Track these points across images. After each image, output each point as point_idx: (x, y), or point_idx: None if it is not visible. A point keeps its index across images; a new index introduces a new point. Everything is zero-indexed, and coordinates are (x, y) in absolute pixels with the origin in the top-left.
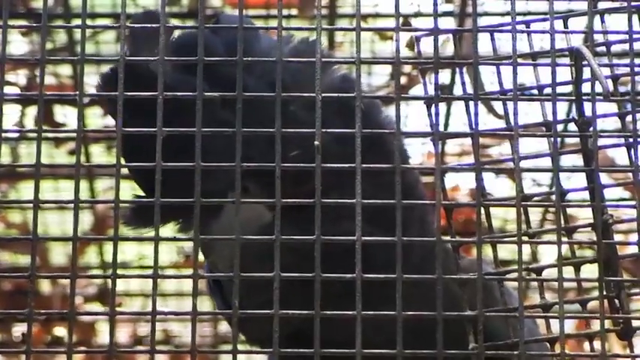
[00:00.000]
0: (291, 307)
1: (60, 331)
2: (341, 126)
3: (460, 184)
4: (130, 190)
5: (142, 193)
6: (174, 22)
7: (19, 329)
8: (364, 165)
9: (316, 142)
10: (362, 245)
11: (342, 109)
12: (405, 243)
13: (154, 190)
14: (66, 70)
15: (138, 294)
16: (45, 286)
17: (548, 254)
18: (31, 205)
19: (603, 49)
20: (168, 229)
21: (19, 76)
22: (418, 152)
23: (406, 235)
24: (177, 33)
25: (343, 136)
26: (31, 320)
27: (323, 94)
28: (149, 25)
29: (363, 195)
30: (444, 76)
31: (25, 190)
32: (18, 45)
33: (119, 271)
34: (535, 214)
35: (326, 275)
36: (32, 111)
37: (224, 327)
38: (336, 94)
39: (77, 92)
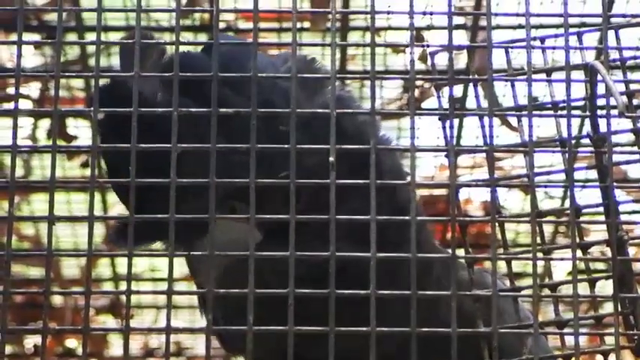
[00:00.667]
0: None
1: (71, 342)
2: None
3: (472, 197)
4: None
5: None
6: (187, 35)
7: (30, 341)
8: (379, 181)
9: (331, 159)
10: (349, 264)
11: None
12: (398, 260)
13: (138, 208)
14: (78, 82)
15: (150, 306)
16: (57, 297)
17: (561, 268)
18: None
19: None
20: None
21: (32, 89)
22: (430, 165)
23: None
24: (168, 54)
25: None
26: (45, 336)
27: (337, 110)
28: (163, 41)
29: (354, 214)
30: (457, 89)
31: (37, 202)
32: (30, 58)
33: (137, 289)
34: (547, 228)
35: (340, 292)
36: (44, 123)
37: None
38: (350, 110)
39: (92, 108)
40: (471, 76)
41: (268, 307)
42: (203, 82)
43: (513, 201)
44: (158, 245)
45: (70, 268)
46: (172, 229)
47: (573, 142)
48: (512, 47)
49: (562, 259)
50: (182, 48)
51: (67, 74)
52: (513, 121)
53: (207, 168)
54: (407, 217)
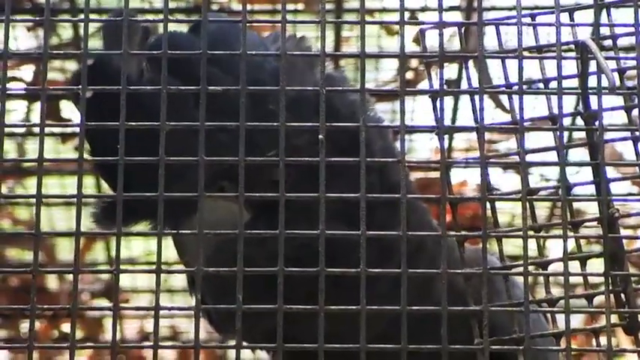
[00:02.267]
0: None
1: (67, 327)
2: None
3: (468, 180)
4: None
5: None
6: (180, 17)
7: (26, 325)
8: (369, 159)
9: (320, 136)
10: (337, 247)
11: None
12: (390, 241)
13: (123, 188)
14: (73, 66)
15: (146, 290)
16: (52, 283)
17: (555, 250)
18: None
19: (609, 42)
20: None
21: (26, 73)
22: (425, 149)
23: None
24: (153, 35)
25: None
26: (33, 315)
27: (327, 88)
28: (155, 19)
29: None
30: (452, 71)
31: (32, 187)
32: (24, 41)
33: (126, 268)
34: (543, 211)
35: (330, 270)
36: (39, 107)
37: None
38: (340, 89)
39: (79, 86)
40: (461, 53)
41: (255, 290)
42: (189, 62)
43: (509, 184)
44: (146, 226)
45: (65, 252)
46: (161, 207)
47: (568, 120)
48: (503, 24)
49: (552, 237)
50: (170, 27)
51: (55, 52)
52: (507, 104)
53: (192, 149)
54: (397, 195)
